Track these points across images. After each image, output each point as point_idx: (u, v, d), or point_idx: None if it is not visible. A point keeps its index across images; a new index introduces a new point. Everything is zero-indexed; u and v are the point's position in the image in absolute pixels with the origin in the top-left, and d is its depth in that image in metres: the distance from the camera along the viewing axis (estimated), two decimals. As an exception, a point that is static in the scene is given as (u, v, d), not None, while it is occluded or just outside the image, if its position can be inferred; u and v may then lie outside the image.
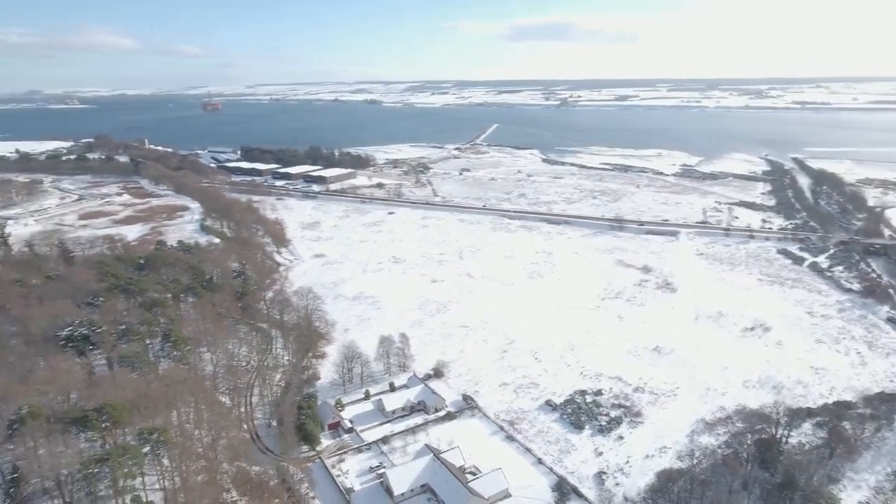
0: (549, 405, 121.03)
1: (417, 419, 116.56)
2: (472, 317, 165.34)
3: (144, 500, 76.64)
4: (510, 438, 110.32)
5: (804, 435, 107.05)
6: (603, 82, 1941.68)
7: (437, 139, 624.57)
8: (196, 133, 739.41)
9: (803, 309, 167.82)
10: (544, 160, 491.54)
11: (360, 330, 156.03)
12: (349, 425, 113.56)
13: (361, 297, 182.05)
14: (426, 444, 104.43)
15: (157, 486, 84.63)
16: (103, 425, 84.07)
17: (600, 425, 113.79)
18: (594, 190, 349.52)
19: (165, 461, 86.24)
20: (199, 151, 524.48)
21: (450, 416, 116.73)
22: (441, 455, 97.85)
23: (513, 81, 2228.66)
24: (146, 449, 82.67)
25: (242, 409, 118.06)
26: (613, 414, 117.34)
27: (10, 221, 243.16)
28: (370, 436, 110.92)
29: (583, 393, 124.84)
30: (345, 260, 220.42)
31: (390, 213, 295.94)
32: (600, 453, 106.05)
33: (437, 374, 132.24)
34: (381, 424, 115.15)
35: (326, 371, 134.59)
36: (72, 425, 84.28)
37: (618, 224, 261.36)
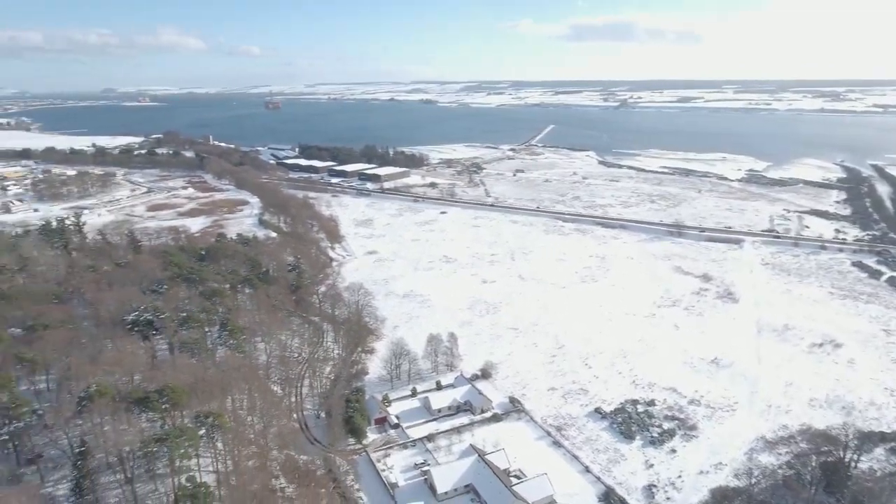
0: (599, 413, 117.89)
1: (463, 419, 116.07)
2: (522, 319, 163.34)
3: (198, 480, 79.45)
4: (557, 444, 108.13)
5: (876, 460, 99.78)
6: (665, 83, 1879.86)
7: (492, 139, 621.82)
8: (257, 130, 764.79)
9: (879, 326, 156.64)
10: (601, 162, 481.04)
11: (408, 327, 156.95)
12: (395, 421, 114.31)
13: (411, 295, 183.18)
14: (471, 445, 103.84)
15: (210, 469, 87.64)
16: (163, 407, 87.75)
17: (652, 437, 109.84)
18: (652, 194, 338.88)
19: (219, 445, 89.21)
20: (259, 148, 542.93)
21: (496, 418, 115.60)
22: (486, 456, 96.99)
23: (570, 82, 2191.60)
24: (202, 432, 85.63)
25: (293, 399, 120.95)
26: (666, 426, 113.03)
27: (85, 211, 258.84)
28: (416, 433, 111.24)
29: (634, 402, 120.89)
30: (396, 258, 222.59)
31: (442, 212, 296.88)
32: (651, 465, 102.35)
33: (485, 375, 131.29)
34: (427, 422, 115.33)
35: (375, 366, 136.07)
36: (135, 405, 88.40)
37: (677, 230, 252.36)
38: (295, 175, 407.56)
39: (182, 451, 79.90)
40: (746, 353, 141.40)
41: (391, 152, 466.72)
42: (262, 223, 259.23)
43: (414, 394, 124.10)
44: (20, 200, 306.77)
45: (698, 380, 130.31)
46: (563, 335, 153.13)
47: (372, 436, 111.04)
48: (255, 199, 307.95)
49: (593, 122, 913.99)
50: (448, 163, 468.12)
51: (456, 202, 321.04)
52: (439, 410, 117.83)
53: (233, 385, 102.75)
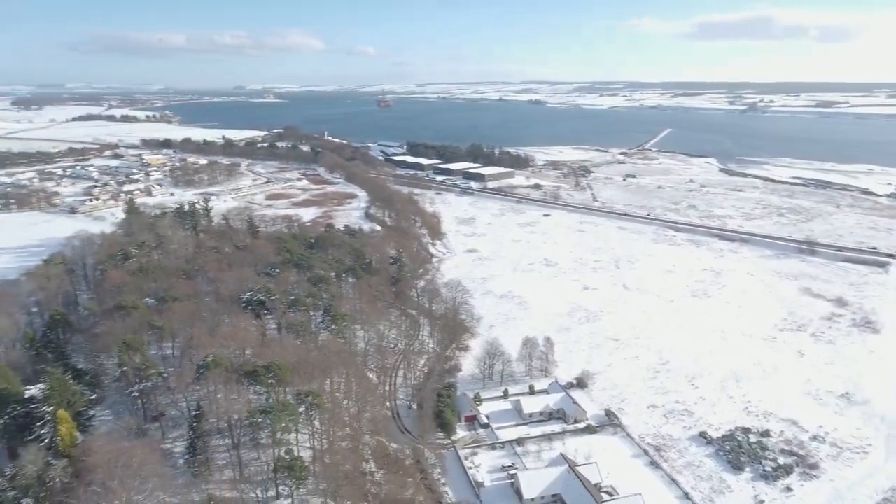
0: (704, 437, 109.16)
1: (555, 426, 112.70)
2: (624, 330, 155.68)
3: (296, 454, 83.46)
4: (654, 465, 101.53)
5: None
6: (801, 86, 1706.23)
7: (602, 142, 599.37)
8: (369, 127, 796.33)
9: None
10: (722, 170, 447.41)
11: (504, 328, 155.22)
12: (485, 421, 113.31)
13: (509, 295, 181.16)
14: (562, 454, 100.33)
15: (307, 445, 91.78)
16: (269, 382, 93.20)
17: (764, 470, 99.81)
18: (781, 207, 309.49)
19: (316, 423, 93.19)
20: (370, 144, 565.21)
21: (589, 430, 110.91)
22: (577, 468, 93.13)
23: (692, 84, 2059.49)
24: (302, 409, 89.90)
25: (387, 388, 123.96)
26: (782, 460, 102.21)
27: (213, 197, 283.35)
28: (505, 435, 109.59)
29: (746, 431, 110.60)
30: (496, 257, 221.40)
31: (546, 214, 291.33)
32: (761, 501, 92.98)
33: (581, 383, 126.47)
34: (517, 426, 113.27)
35: (468, 364, 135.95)
36: (244, 377, 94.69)
37: (808, 247, 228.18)
38: (402, 171, 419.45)
39: (283, 424, 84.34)
40: (886, 391, 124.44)
41: (496, 152, 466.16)
42: (369, 216, 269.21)
43: (506, 395, 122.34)
44: (160, 185, 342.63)
45: (824, 414, 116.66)
46: (667, 351, 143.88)
47: (461, 433, 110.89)
48: (363, 193, 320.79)
49: (716, 126, 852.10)
50: (554, 165, 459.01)
51: (560, 205, 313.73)
52: (531, 415, 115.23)
53: (332, 368, 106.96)
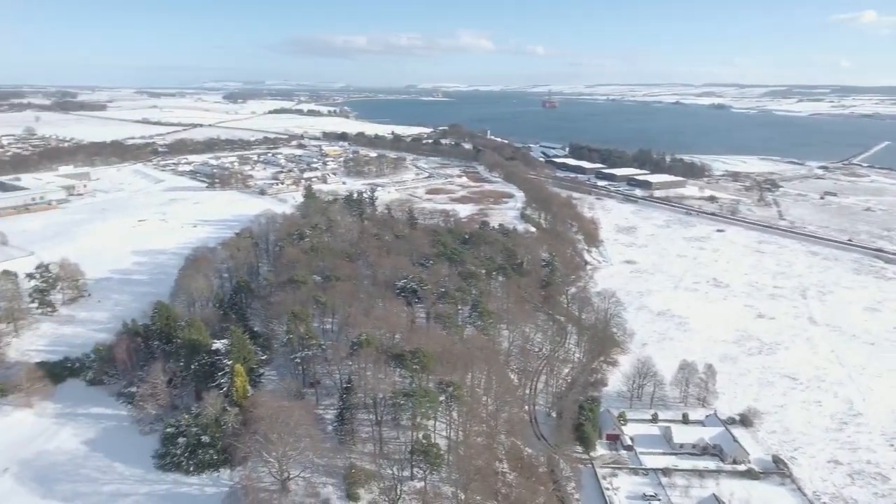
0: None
1: (709, 463, 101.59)
2: (806, 369, 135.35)
3: (432, 440, 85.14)
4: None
5: None
6: None
7: (797, 154, 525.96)
8: (531, 128, 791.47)
9: None
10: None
11: (659, 348, 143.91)
12: (629, 443, 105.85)
13: (668, 314, 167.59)
14: (714, 495, 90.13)
15: (443, 434, 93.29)
16: (414, 367, 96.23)
17: None
18: None
19: (454, 414, 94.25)
20: (531, 145, 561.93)
21: (751, 474, 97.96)
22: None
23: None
24: (442, 398, 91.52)
25: (527, 391, 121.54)
26: None
27: (379, 188, 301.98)
28: (650, 461, 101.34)
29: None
30: (656, 271, 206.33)
31: (719, 230, 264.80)
32: None
33: (745, 421, 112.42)
34: (664, 454, 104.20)
35: (615, 380, 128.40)
36: (392, 359, 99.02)
37: None
38: (561, 174, 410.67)
39: (423, 410, 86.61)
40: None
41: (667, 159, 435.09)
42: (524, 217, 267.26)
43: (654, 420, 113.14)
44: (334, 174, 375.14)
45: None
46: (860, 401, 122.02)
47: (601, 450, 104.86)
48: (519, 194, 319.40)
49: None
50: (734, 176, 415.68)
51: (737, 221, 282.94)
52: (681, 445, 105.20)
53: (475, 363, 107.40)
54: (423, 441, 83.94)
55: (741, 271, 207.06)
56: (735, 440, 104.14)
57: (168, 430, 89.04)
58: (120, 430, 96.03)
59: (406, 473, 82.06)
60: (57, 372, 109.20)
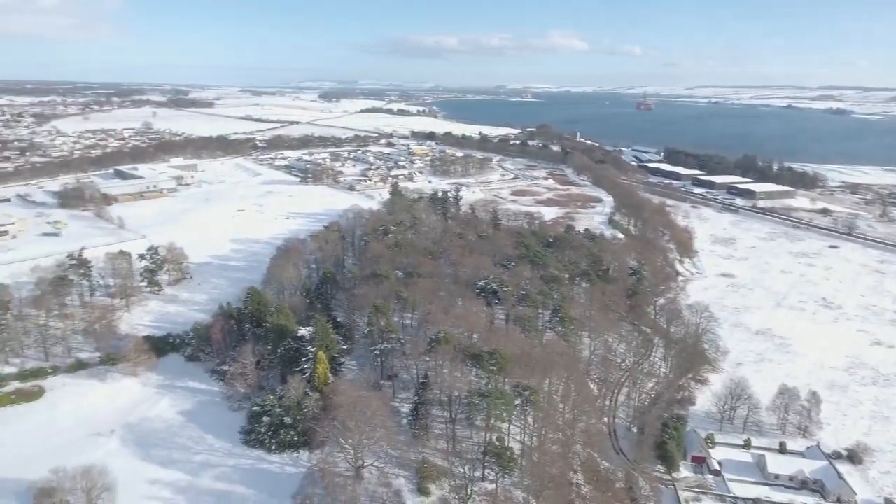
0: None
1: (808, 499, 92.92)
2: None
3: (506, 443, 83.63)
4: None
5: None
6: None
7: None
8: (624, 130, 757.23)
9: None
10: None
11: (755, 369, 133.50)
12: (716, 467, 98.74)
13: (767, 333, 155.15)
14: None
15: (517, 438, 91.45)
16: (491, 368, 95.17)
17: None
18: None
19: (529, 420, 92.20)
20: (623, 148, 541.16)
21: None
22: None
23: None
24: (517, 402, 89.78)
25: (607, 403, 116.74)
26: None
27: (464, 187, 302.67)
28: (740, 490, 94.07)
29: None
30: (756, 287, 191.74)
31: (832, 246, 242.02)
32: None
33: (853, 457, 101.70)
34: (756, 484, 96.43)
35: (704, 399, 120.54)
36: (469, 359, 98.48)
37: None
38: (654, 179, 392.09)
39: (498, 412, 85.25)
40: None
41: (774, 167, 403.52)
42: (612, 223, 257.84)
43: (747, 446, 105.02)
44: (420, 172, 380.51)
45: None
46: None
47: (684, 472, 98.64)
48: (608, 199, 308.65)
49: None
50: (853, 188, 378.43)
51: (854, 237, 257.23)
52: (776, 476, 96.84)
53: (553, 369, 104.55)
54: (497, 443, 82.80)
55: (857, 292, 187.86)
56: (840, 476, 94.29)
57: (254, 408, 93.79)
58: (212, 405, 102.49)
59: (477, 474, 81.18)
60: (160, 346, 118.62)
